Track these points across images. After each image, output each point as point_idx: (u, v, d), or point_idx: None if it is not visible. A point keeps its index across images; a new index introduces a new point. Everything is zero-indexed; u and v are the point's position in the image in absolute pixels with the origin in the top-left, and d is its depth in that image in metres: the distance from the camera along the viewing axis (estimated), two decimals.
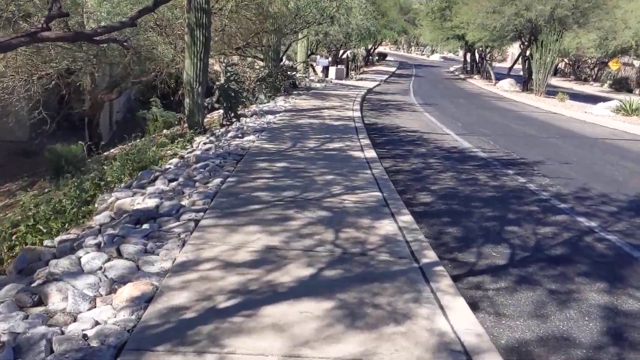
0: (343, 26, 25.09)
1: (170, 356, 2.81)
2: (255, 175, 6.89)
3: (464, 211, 6.53)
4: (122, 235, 4.60)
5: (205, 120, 13.68)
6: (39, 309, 3.38)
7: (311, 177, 6.92)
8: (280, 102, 16.30)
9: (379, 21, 35.62)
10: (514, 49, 54.01)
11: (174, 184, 6.44)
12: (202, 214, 5.16)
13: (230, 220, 5.02)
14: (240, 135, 10.11)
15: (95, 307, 3.40)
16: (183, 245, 4.35)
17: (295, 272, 3.94)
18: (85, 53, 12.46)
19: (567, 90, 29.31)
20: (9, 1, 8.93)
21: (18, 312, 3.28)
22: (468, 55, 45.87)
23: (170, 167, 7.59)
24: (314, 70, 30.70)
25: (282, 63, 22.60)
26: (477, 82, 35.76)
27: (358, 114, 14.84)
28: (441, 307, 3.58)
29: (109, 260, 4.08)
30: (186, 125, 11.33)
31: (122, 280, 3.72)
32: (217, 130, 10.99)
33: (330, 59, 32.71)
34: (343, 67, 31.80)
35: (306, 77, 25.68)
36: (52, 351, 2.87)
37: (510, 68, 37.12)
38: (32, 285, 3.73)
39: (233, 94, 12.36)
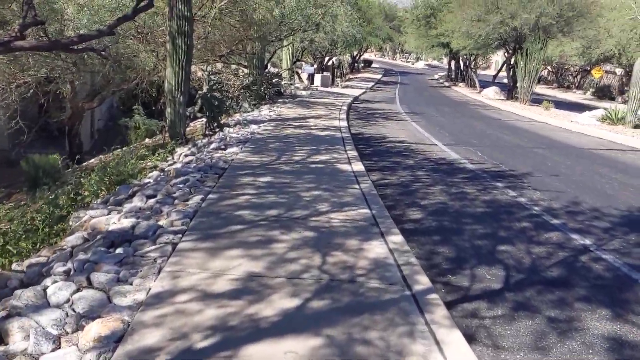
0: (328, 33, 24.89)
1: None
2: (237, 191, 6.60)
3: (455, 228, 6.30)
4: (94, 260, 4.29)
5: (188, 129, 13.37)
6: None
7: (297, 193, 6.64)
8: (265, 111, 16.02)
9: (365, 28, 35.54)
10: (498, 57, 54.37)
11: (152, 201, 6.13)
12: (180, 235, 4.86)
13: (210, 243, 4.73)
14: (222, 146, 9.82)
15: (59, 347, 3.09)
16: (159, 272, 4.05)
17: (279, 303, 3.67)
18: (64, 61, 12.11)
19: (550, 97, 29.40)
20: None
21: None
22: (452, 63, 45.99)
23: (149, 182, 7.28)
24: (300, 78, 30.47)
25: (267, 70, 22.35)
26: (461, 90, 35.78)
27: (344, 123, 14.61)
28: (437, 343, 3.32)
29: (77, 290, 3.77)
30: (167, 135, 11.01)
31: (91, 315, 3.42)
32: (200, 141, 10.69)
33: (315, 66, 32.52)
34: (329, 74, 31.62)
35: (291, 84, 25.44)
36: None
37: (495, 76, 37.21)
38: None
39: (216, 103, 12.07)
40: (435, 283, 4.51)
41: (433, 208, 7.12)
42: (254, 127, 12.52)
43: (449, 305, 4.16)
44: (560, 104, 26.78)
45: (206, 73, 12.75)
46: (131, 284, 3.89)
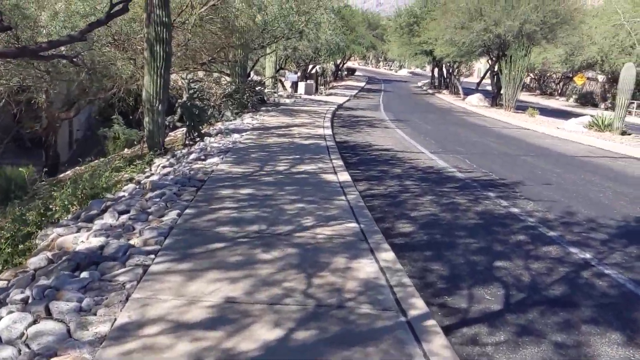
0: (312, 41, 24.64)
1: None
2: (217, 205, 6.19)
3: (447, 242, 5.96)
4: (56, 286, 3.87)
5: (168, 138, 12.94)
6: None
7: (280, 206, 6.26)
8: (248, 120, 15.63)
9: (348, 36, 35.41)
10: (481, 64, 54.61)
11: (124, 217, 5.71)
12: (153, 256, 4.45)
13: (186, 264, 4.33)
14: (203, 157, 9.41)
15: None
16: (126, 300, 3.65)
17: (259, 334, 3.28)
18: (37, 69, 11.64)
19: (534, 104, 29.41)
20: None
21: None
22: (436, 70, 45.99)
23: (124, 196, 6.86)
24: (283, 86, 30.14)
25: (250, 78, 21.97)
26: (445, 97, 35.68)
27: (329, 131, 14.26)
28: None
29: (34, 322, 3.35)
30: (146, 145, 10.58)
31: (47, 353, 3.01)
32: (179, 152, 10.27)
33: (299, 74, 32.22)
34: (312, 82, 31.32)
35: (275, 92, 25.08)
36: None
37: (479, 83, 37.18)
38: None
39: (196, 112, 11.66)
40: (430, 305, 4.16)
41: (423, 220, 6.78)
42: (236, 136, 12.13)
43: (447, 331, 3.81)
44: (544, 111, 26.72)
45: (186, 81, 12.32)
46: (95, 314, 3.48)
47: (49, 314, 3.50)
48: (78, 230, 5.40)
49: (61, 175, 13.60)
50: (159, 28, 9.64)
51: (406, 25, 39.23)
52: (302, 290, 3.94)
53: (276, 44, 21.07)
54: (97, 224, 5.52)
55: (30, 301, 3.71)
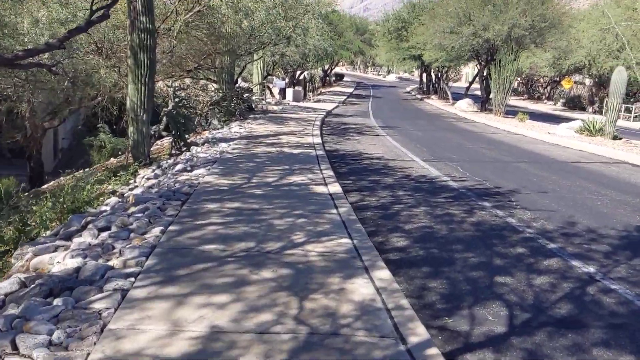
0: (300, 47, 24.38)
1: None
2: (203, 220, 5.90)
3: (445, 257, 5.70)
4: (25, 316, 3.56)
5: (155, 147, 12.62)
6: None
7: (269, 221, 5.97)
8: (235, 128, 15.32)
9: (336, 42, 35.23)
10: (469, 69, 54.70)
11: (104, 234, 5.39)
12: (132, 279, 4.14)
13: (168, 288, 4.03)
14: (189, 168, 9.10)
15: None
16: (101, 331, 3.34)
17: None
18: (17, 78, 11.30)
19: (522, 109, 29.34)
20: None
21: None
22: (424, 76, 45.93)
23: (105, 210, 6.53)
24: (271, 92, 29.87)
25: (237, 85, 21.68)
26: (434, 103, 35.57)
27: (318, 139, 14.00)
28: None
29: None
30: (131, 156, 10.26)
31: None
32: (165, 162, 9.95)
33: (287, 80, 31.98)
34: (300, 88, 31.08)
35: (263, 99, 24.82)
36: None
37: (468, 88, 37.10)
38: None
39: (182, 121, 11.36)
40: (430, 328, 3.89)
41: (418, 233, 6.51)
42: (223, 145, 11.82)
43: (450, 357, 3.55)
44: (533, 115, 26.65)
45: (172, 89, 12.01)
46: (66, 349, 3.18)
47: (15, 349, 3.19)
48: (55, 250, 5.08)
49: (45, 186, 13.23)
50: (143, 35, 9.35)
51: (394, 30, 39.09)
52: (293, 316, 3.65)
53: (263, 50, 20.79)
54: (75, 242, 5.20)
55: None
